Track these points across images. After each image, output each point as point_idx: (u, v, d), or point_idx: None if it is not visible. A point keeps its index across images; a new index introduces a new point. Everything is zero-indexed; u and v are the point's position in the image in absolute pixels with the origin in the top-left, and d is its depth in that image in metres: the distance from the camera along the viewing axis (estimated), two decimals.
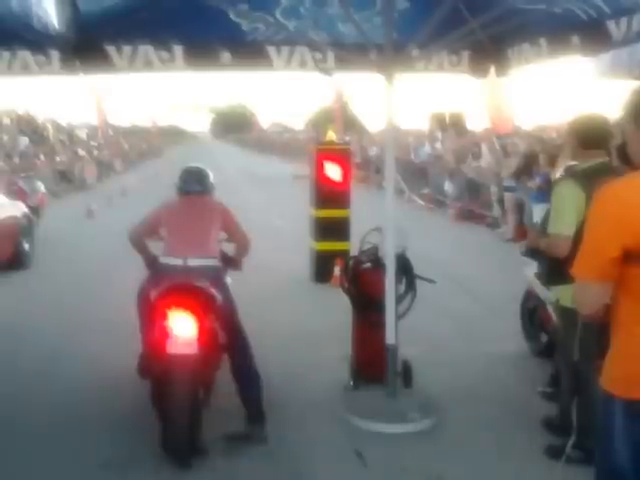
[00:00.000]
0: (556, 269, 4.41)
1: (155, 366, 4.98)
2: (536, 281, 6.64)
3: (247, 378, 5.39)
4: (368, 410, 5.64)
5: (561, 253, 4.32)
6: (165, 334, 4.84)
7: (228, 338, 5.23)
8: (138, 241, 5.88)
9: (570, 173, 4.89)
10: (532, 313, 7.18)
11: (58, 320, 8.56)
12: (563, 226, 4.44)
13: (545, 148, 14.81)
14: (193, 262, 5.33)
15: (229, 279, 5.79)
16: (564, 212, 4.49)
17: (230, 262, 5.81)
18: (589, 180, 4.36)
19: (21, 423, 5.59)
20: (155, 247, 5.81)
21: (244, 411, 5.34)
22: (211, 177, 5.95)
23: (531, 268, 6.65)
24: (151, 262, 5.80)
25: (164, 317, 4.86)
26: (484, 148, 19.66)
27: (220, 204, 5.79)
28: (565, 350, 4.69)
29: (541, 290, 6.57)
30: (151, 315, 5.12)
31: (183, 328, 4.81)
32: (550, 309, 6.38)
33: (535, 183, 13.50)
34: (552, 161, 13.63)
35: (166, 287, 5.06)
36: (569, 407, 4.69)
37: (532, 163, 14.82)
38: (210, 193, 5.86)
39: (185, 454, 4.81)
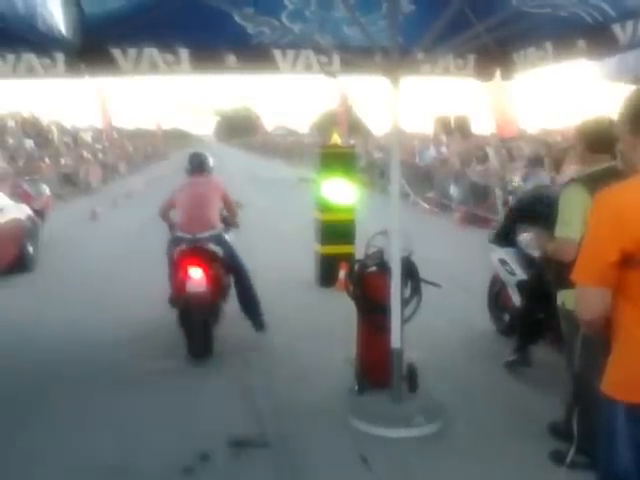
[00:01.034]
0: (562, 273, 4.39)
1: (178, 301, 7.20)
2: (500, 266, 7.40)
3: (248, 298, 7.69)
4: (373, 414, 5.62)
5: (568, 257, 4.30)
6: (184, 280, 7.00)
7: (233, 275, 7.69)
8: (164, 215, 8.02)
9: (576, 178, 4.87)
10: (497, 296, 7.80)
11: (61, 323, 8.56)
12: (570, 230, 4.42)
13: (550, 152, 14.80)
14: (199, 235, 7.44)
15: (232, 236, 8.01)
16: (571, 216, 4.47)
17: (230, 223, 8.05)
18: (596, 184, 4.33)
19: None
20: None
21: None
22: (211, 160, 8.23)
23: (496, 254, 7.50)
24: (173, 226, 7.86)
25: (183, 269, 7.07)
26: (490, 152, 19.64)
27: (219, 182, 8.15)
28: (570, 355, 4.67)
29: (504, 274, 7.35)
30: (175, 267, 7.38)
31: (195, 275, 6.99)
32: (510, 290, 7.31)
33: None
34: (557, 165, 13.62)
35: (182, 250, 7.34)
36: (571, 412, 4.67)
37: (537, 167, 14.80)
38: (210, 172, 8.14)
39: (202, 356, 7.00)
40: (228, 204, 7.94)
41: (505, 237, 7.44)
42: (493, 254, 7.60)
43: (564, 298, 4.68)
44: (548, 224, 5.23)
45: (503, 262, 7.38)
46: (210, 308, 7.14)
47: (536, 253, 6.64)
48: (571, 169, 10.93)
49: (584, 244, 2.78)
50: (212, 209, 7.64)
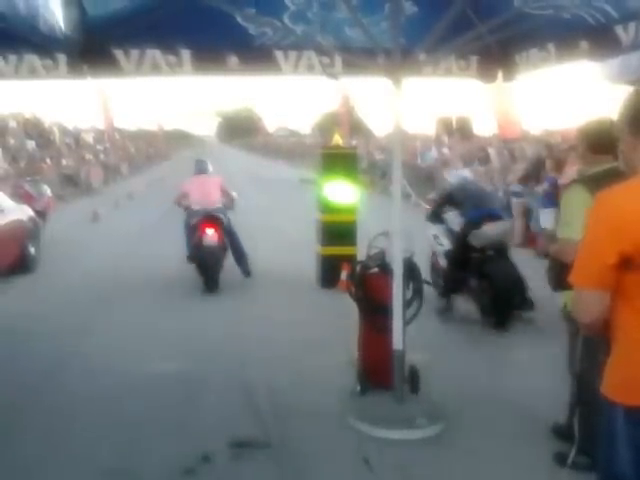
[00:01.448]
0: (564, 275, 4.38)
1: (197, 253, 10.40)
2: (433, 240, 9.39)
3: (239, 254, 11.09)
4: (375, 416, 5.61)
5: (569, 258, 4.28)
6: (201, 236, 10.35)
7: (229, 237, 10.88)
8: (178, 202, 11.41)
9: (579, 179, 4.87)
10: (435, 265, 9.45)
11: (63, 323, 8.57)
12: (572, 231, 4.41)
13: (551, 153, 14.78)
14: (209, 208, 10.83)
15: (230, 216, 11.20)
16: (573, 217, 4.46)
17: (227, 207, 11.22)
18: (597, 185, 4.33)
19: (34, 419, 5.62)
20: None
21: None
22: (210, 165, 12.01)
23: (431, 230, 9.52)
24: (187, 207, 11.25)
25: (201, 229, 10.44)
26: (492, 153, 19.62)
27: (218, 178, 11.75)
28: (572, 357, 4.66)
29: (436, 245, 9.37)
30: (194, 230, 10.67)
31: (209, 233, 10.37)
32: (440, 258, 9.21)
33: (542, 188, 13.48)
34: (558, 166, 13.61)
35: (200, 217, 10.66)
36: (572, 414, 4.67)
37: (540, 168, 14.79)
38: (209, 172, 11.83)
39: (212, 288, 10.28)
40: (224, 192, 11.31)
41: (436, 216, 9.53)
42: (429, 230, 9.56)
43: (567, 300, 4.66)
44: (464, 207, 8.70)
45: (435, 236, 9.36)
46: (217, 256, 10.48)
47: (457, 228, 8.78)
48: (573, 170, 10.94)
49: (582, 246, 2.75)
50: (214, 193, 11.15)
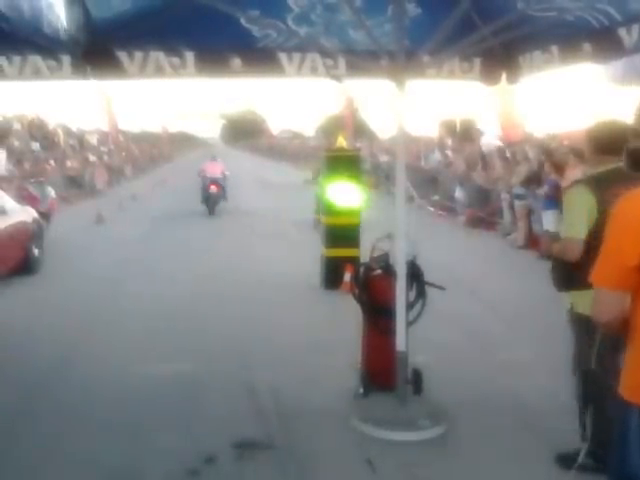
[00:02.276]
0: (569, 274, 4.41)
1: (206, 196, 21.53)
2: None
3: (225, 194, 22.23)
4: (378, 417, 5.61)
5: (573, 257, 4.33)
6: (209, 189, 21.55)
7: (222, 191, 22.01)
8: (199, 174, 22.51)
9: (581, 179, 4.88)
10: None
11: (65, 326, 8.57)
12: (574, 230, 4.43)
13: (550, 156, 14.76)
14: (215, 176, 22.00)
15: (227, 183, 22.43)
16: (575, 217, 4.47)
17: (224, 178, 22.48)
18: (599, 185, 4.38)
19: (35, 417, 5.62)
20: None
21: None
22: (218, 157, 25.33)
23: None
24: (203, 176, 22.07)
25: (209, 186, 21.58)
26: (492, 155, 19.62)
27: (221, 163, 23.69)
28: (580, 358, 4.64)
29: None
30: (206, 187, 21.61)
31: (213, 187, 21.56)
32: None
33: (544, 190, 13.46)
34: (559, 169, 13.60)
35: (209, 181, 21.64)
36: (583, 415, 4.65)
37: (541, 171, 14.78)
38: (217, 160, 24.14)
39: (212, 213, 21.28)
40: (222, 171, 22.10)
41: None
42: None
43: (573, 300, 4.65)
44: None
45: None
46: (216, 198, 21.29)
47: None
48: (574, 173, 10.94)
49: (603, 247, 2.76)
50: (218, 170, 22.09)
